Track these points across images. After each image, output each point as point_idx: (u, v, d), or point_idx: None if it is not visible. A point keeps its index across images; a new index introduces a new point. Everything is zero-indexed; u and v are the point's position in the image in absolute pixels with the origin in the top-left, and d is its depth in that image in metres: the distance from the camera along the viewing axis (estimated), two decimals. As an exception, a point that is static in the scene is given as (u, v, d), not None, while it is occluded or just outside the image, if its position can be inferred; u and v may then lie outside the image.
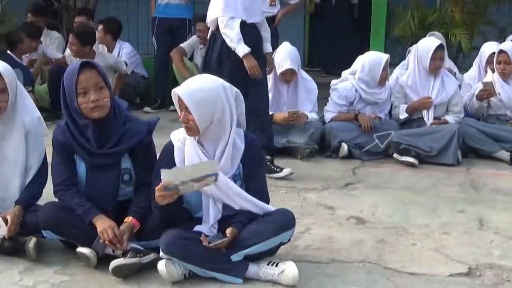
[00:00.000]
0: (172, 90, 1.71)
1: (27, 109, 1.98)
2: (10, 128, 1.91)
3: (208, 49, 2.90)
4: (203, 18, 4.48)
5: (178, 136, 1.75)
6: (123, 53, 4.85)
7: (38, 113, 2.04)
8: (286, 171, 2.85)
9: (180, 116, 1.69)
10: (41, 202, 1.95)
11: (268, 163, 2.76)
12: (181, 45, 4.81)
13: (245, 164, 1.75)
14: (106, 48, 4.86)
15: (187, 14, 5.08)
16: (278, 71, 3.39)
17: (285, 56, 3.39)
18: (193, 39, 4.89)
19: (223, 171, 1.68)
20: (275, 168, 2.86)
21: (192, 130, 1.67)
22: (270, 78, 3.38)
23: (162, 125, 2.00)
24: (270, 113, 3.20)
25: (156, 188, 1.57)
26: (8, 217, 1.80)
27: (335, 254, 1.92)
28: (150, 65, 5.14)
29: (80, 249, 1.75)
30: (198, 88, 1.65)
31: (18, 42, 4.34)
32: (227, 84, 1.72)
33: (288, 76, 3.42)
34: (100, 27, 4.82)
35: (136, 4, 5.74)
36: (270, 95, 3.23)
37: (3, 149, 1.91)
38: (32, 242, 1.78)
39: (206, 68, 2.79)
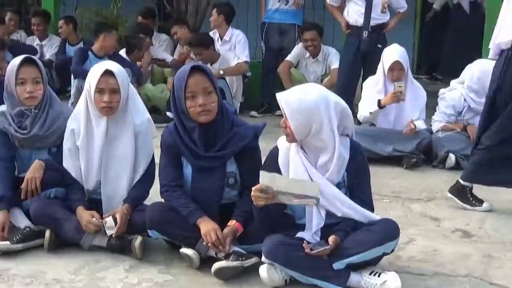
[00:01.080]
0: (276, 95, 1.70)
1: (138, 110, 2.07)
2: (121, 128, 1.98)
3: (502, 71, 2.38)
4: (311, 27, 4.68)
5: (285, 143, 1.73)
6: (237, 40, 4.93)
7: (147, 114, 2.13)
8: (485, 206, 2.51)
9: (282, 121, 1.69)
10: (147, 202, 2.04)
11: (468, 193, 2.52)
12: (288, 58, 4.84)
13: (350, 172, 1.71)
14: (218, 34, 4.98)
15: (297, 20, 5.09)
16: (386, 68, 3.34)
17: (393, 52, 3.38)
18: (299, 48, 4.88)
19: (329, 180, 1.66)
20: (473, 201, 2.52)
21: (290, 136, 1.66)
22: (379, 79, 3.39)
23: (268, 130, 2.01)
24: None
25: (253, 187, 1.58)
26: (117, 216, 1.86)
27: (439, 267, 1.86)
28: (257, 69, 5.16)
29: (184, 250, 1.78)
30: (298, 98, 1.64)
31: (137, 47, 4.66)
32: (332, 97, 1.68)
33: (396, 73, 3.33)
34: (214, 10, 5.00)
35: (245, 9, 5.88)
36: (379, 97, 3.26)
37: (114, 149, 1.98)
38: (138, 240, 1.84)
39: (497, 90, 2.40)
